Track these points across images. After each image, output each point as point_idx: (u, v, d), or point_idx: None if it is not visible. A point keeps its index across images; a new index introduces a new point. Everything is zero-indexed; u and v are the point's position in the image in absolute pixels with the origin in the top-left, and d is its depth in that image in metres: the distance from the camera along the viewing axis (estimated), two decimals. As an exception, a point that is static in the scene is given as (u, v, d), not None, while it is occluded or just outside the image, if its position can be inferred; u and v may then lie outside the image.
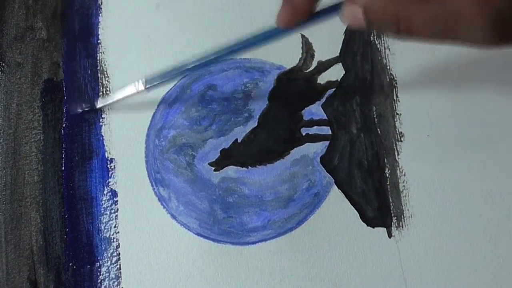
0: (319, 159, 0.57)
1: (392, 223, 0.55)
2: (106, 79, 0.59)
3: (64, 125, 0.58)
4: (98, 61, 0.60)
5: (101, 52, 0.60)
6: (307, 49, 0.59)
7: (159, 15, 0.61)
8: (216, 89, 0.58)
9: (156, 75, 0.54)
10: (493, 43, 0.36)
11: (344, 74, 0.58)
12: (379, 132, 0.57)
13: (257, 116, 0.58)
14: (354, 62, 0.58)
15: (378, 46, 0.59)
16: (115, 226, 0.56)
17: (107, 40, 0.60)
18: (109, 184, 0.56)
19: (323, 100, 0.58)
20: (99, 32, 0.61)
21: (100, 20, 0.61)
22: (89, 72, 0.59)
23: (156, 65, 0.58)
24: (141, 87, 0.54)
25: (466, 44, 0.37)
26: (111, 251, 0.55)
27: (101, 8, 0.61)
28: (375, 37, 0.59)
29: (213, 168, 0.57)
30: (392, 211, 0.55)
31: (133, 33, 0.60)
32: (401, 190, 0.55)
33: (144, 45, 0.60)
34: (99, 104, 0.57)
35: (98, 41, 0.60)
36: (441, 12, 0.36)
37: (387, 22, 0.38)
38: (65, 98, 0.59)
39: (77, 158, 0.57)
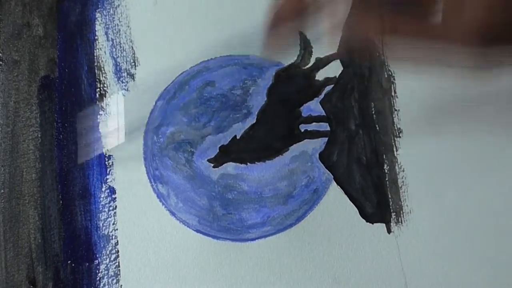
0: (318, 156, 0.57)
1: (391, 219, 0.55)
2: (104, 75, 0.59)
3: (61, 122, 0.57)
4: (95, 58, 0.59)
5: (98, 49, 0.60)
6: (305, 46, 0.59)
7: (157, 11, 0.61)
8: (215, 85, 0.58)
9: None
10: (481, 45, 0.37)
11: (342, 71, 0.58)
12: (377, 128, 0.57)
13: (256, 113, 0.58)
14: (352, 58, 0.58)
15: (376, 42, 0.59)
16: (113, 224, 0.55)
17: (104, 36, 0.60)
18: (107, 181, 0.56)
19: (322, 96, 0.58)
20: (96, 29, 0.60)
21: (97, 16, 0.61)
22: (86, 68, 0.59)
23: (154, 62, 0.58)
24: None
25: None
26: (109, 248, 0.55)
27: (98, 4, 0.61)
28: (373, 33, 0.59)
29: (212, 165, 0.56)
30: (391, 207, 0.55)
31: (130, 29, 0.60)
32: (400, 186, 0.55)
33: (142, 41, 0.60)
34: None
35: (95, 37, 0.60)
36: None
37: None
38: (62, 95, 0.58)
39: (75, 155, 0.57)
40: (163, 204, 0.56)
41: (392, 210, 0.55)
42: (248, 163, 0.57)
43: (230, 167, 0.56)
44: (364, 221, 0.55)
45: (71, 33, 0.60)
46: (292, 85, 0.58)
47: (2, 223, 0.55)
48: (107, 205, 0.56)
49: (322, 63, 0.59)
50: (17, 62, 0.59)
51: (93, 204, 0.56)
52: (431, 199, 0.55)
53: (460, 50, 0.37)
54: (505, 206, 0.54)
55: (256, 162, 0.57)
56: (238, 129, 0.57)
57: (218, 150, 0.57)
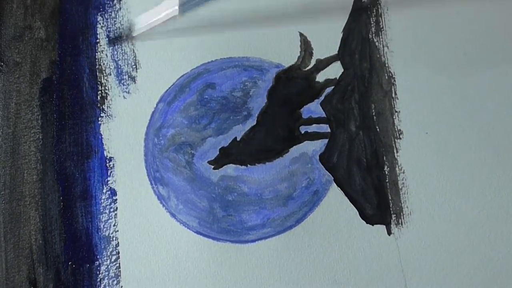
0: (318, 157, 0.57)
1: (392, 221, 0.55)
2: (105, 78, 0.59)
3: (62, 124, 0.58)
4: (96, 60, 0.59)
5: (99, 51, 0.60)
6: (306, 47, 0.59)
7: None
8: (215, 87, 0.58)
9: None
10: None
11: (343, 72, 0.58)
12: (378, 129, 0.57)
13: (256, 115, 0.58)
14: (353, 60, 0.59)
15: (377, 44, 0.59)
16: (114, 225, 0.56)
17: (105, 39, 0.60)
18: (108, 182, 0.56)
19: (322, 98, 0.58)
20: (98, 31, 0.60)
21: (98, 19, 0.61)
22: (87, 71, 0.59)
23: (154, 64, 0.59)
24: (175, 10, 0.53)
25: None
26: (110, 249, 0.55)
27: (99, 8, 0.61)
28: (374, 35, 0.59)
29: (212, 167, 0.57)
30: (391, 209, 0.55)
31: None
32: (400, 187, 0.55)
33: (143, 44, 0.60)
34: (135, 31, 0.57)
35: (97, 40, 0.60)
36: None
37: None
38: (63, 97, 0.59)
39: (76, 157, 0.57)
40: (163, 205, 0.56)
41: (392, 212, 0.55)
42: (248, 165, 0.57)
43: (230, 169, 0.57)
44: (364, 222, 0.55)
45: (73, 36, 0.61)
46: (293, 86, 0.58)
47: (3, 224, 0.55)
48: (108, 206, 0.56)
49: (322, 64, 0.59)
50: (18, 64, 0.59)
51: (94, 206, 0.56)
52: (431, 200, 0.55)
53: None
54: (504, 208, 0.54)
55: (256, 164, 0.57)
56: (239, 131, 0.57)
57: (218, 152, 0.57)
